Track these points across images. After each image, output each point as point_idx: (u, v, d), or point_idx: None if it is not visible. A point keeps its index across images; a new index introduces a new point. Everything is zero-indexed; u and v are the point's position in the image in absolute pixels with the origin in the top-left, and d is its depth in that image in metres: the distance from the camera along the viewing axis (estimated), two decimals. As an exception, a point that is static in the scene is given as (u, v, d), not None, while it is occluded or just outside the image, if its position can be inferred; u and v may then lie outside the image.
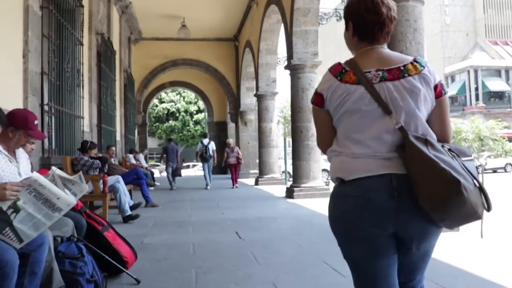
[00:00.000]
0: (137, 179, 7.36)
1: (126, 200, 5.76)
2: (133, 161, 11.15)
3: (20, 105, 5.05)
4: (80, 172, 2.80)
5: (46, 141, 5.91)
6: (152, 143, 30.60)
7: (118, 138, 11.30)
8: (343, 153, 1.43)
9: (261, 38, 12.24)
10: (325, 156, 1.70)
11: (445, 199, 1.25)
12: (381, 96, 1.37)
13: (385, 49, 1.48)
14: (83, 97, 7.28)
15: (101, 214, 5.58)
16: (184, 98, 32.54)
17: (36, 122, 2.48)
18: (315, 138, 1.68)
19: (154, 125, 32.74)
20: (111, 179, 5.73)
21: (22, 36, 5.11)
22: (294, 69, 8.88)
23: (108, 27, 10.35)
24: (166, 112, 32.58)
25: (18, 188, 2.01)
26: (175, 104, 32.45)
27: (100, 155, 6.84)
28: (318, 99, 1.47)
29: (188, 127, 32.62)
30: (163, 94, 30.77)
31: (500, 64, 44.17)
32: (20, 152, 2.47)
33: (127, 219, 5.71)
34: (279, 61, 14.41)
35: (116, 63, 11.17)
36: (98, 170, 5.82)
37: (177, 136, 32.67)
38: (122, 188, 5.76)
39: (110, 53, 10.02)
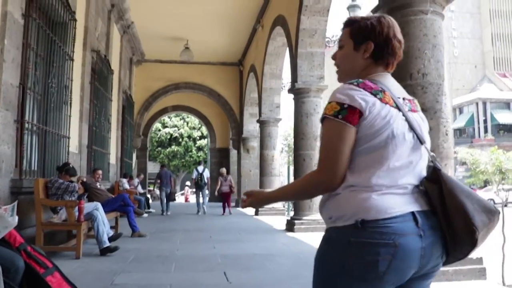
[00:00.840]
0: (123, 206, 6.76)
1: (105, 230, 5.12)
2: (127, 186, 10.55)
3: (-11, 121, 4.54)
4: (15, 203, 2.22)
5: (24, 161, 5.38)
6: (154, 168, 29.88)
7: (112, 161, 10.73)
8: (369, 188, 1.23)
9: (266, 61, 11.81)
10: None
11: (489, 229, 1.24)
12: (413, 125, 1.29)
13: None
14: (70, 116, 6.75)
15: (75, 245, 4.97)
16: (187, 123, 32.11)
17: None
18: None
19: (156, 149, 32.18)
20: (88, 206, 5.12)
21: (-3, 44, 4.64)
22: (298, 93, 8.35)
23: (106, 46, 9.96)
24: (168, 137, 32.07)
25: None
26: (178, 129, 31.99)
27: (84, 179, 6.28)
28: (355, 115, 1.22)
29: (190, 153, 32.03)
30: (166, 119, 30.37)
31: (509, 97, 43.76)
32: None
33: (104, 251, 5.05)
34: (284, 86, 13.97)
35: (114, 83, 10.74)
36: (75, 194, 5.22)
37: (179, 162, 32.02)
38: (101, 216, 5.12)
39: (106, 71, 9.59)
